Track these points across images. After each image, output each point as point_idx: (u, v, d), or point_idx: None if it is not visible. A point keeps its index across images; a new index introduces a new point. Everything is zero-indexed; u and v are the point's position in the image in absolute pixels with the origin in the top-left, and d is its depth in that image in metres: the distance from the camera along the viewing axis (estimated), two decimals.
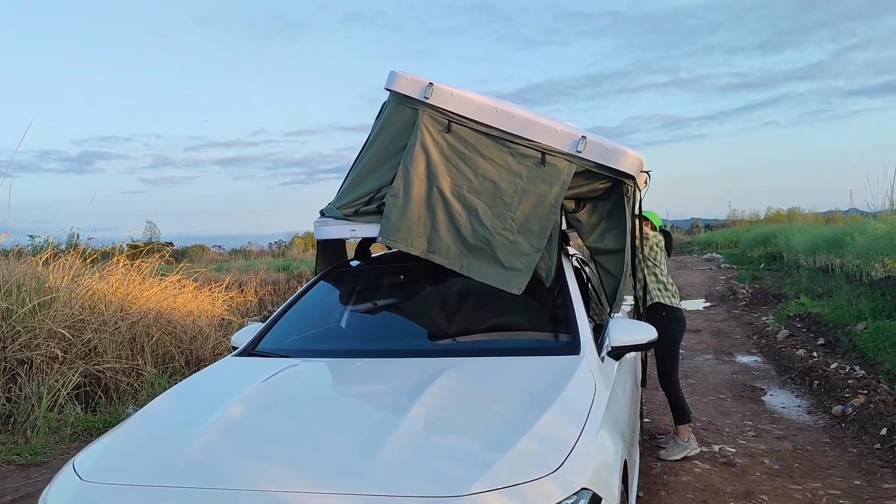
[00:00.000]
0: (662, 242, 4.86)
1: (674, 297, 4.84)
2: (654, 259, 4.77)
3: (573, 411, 2.34)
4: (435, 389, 2.48)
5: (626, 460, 2.59)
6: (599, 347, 3.07)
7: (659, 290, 4.76)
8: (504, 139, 3.42)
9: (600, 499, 2.03)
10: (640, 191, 3.90)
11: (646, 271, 4.69)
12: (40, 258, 7.77)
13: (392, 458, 2.03)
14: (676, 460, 4.72)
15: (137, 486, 2.06)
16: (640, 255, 4.61)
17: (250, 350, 3.28)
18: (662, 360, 4.86)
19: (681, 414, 4.84)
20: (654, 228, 4.93)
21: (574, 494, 1.94)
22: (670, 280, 4.88)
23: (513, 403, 2.44)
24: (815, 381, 6.84)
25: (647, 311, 4.58)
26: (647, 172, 4.11)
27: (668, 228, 5.17)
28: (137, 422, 2.57)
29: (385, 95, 3.65)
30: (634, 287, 4.58)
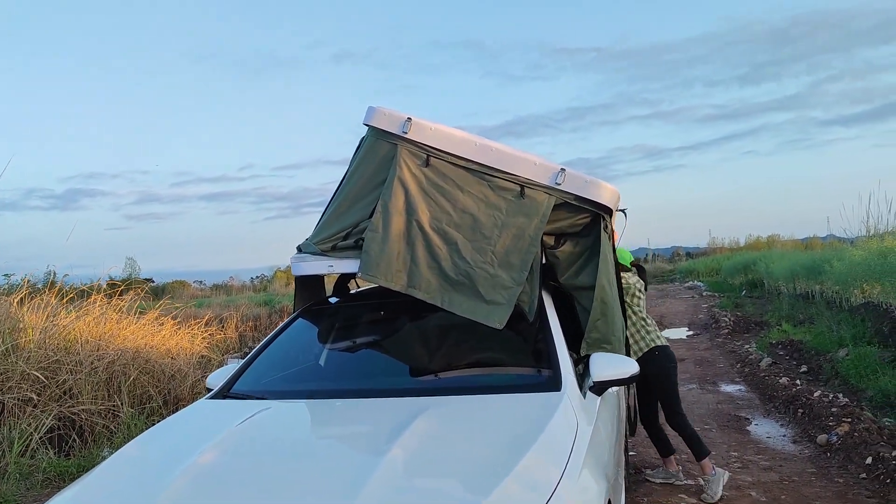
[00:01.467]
0: (641, 284, 4.82)
1: (659, 337, 4.77)
2: (638, 305, 4.72)
3: (555, 451, 2.29)
4: (414, 431, 2.42)
5: (609, 499, 2.54)
6: (581, 382, 3.04)
7: (647, 332, 4.70)
8: (483, 173, 3.42)
9: None
10: (614, 229, 3.91)
11: (635, 317, 4.66)
12: (14, 298, 7.63)
13: None
14: (721, 496, 4.61)
15: None
16: (626, 303, 4.57)
17: (225, 392, 3.20)
18: (667, 399, 4.79)
19: (698, 447, 4.71)
20: (625, 269, 4.79)
21: None
22: (650, 320, 4.83)
23: (493, 444, 2.38)
24: (800, 410, 6.83)
25: (644, 357, 4.55)
26: (622, 211, 4.12)
27: (646, 260, 5.21)
28: (106, 470, 2.47)
29: (364, 130, 3.65)
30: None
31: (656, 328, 4.81)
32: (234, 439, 2.56)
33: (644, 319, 4.73)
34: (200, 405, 3.14)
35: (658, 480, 4.97)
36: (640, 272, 4.96)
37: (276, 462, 2.39)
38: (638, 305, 4.71)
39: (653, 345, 4.65)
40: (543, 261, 3.53)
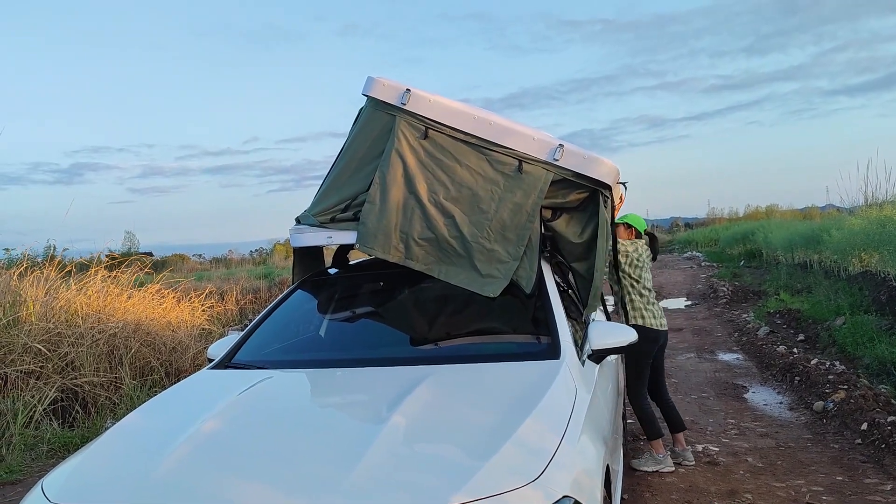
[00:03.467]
0: (646, 253, 4.73)
1: (655, 316, 4.64)
2: (636, 275, 4.62)
3: (554, 417, 2.32)
4: (414, 398, 2.45)
5: (608, 465, 2.57)
6: (580, 351, 3.06)
7: (638, 308, 4.62)
8: (481, 146, 3.40)
9: None
10: (614, 202, 3.91)
11: (627, 289, 4.61)
12: (14, 272, 7.64)
13: (370, 471, 1.99)
14: (647, 472, 4.57)
15: None
16: (621, 272, 4.58)
17: (226, 362, 3.22)
18: (630, 372, 4.72)
19: (650, 429, 4.64)
20: (638, 235, 4.78)
21: (556, 503, 1.92)
22: (647, 293, 4.67)
23: (493, 411, 2.41)
24: (796, 378, 6.89)
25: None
26: (623, 184, 4.11)
27: (650, 230, 5.00)
28: (109, 439, 2.50)
29: (363, 101, 3.62)
30: (619, 301, 4.62)
31: (650, 305, 4.65)
32: (237, 408, 2.59)
33: (640, 292, 4.62)
34: (202, 375, 3.17)
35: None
36: (653, 241, 4.88)
37: (278, 430, 2.42)
38: (639, 277, 4.62)
39: (635, 322, 4.57)
40: (542, 231, 3.53)
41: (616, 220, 4.49)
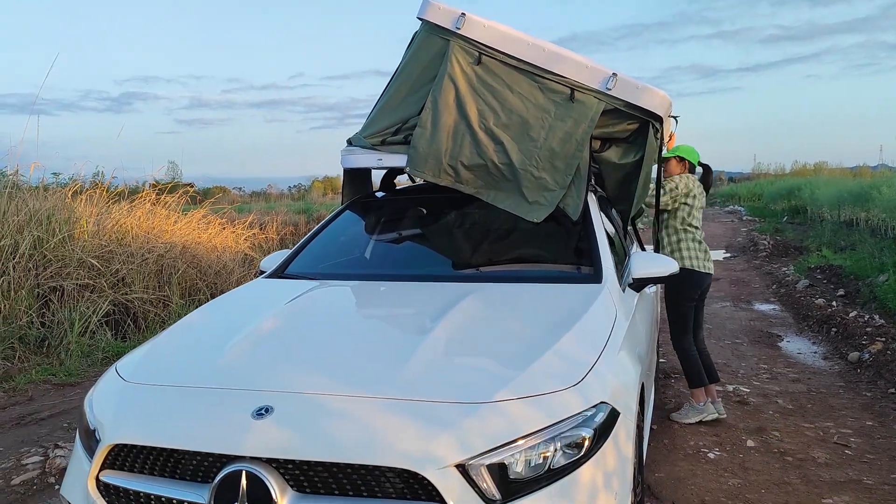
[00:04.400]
0: (699, 189, 4.42)
1: (700, 257, 4.35)
2: (684, 211, 4.33)
3: (594, 333, 2.41)
4: (458, 311, 2.55)
5: (643, 384, 2.67)
6: (621, 280, 3.12)
7: (683, 248, 4.33)
8: (534, 73, 3.41)
9: (618, 414, 2.11)
10: (664, 137, 3.89)
11: (672, 227, 4.36)
12: (69, 190, 7.92)
13: (419, 369, 2.12)
14: (690, 424, 4.34)
15: (177, 387, 2.17)
16: (666, 210, 4.32)
17: (279, 273, 3.37)
18: (668, 315, 4.51)
19: (693, 376, 4.41)
20: (691, 169, 4.48)
21: (593, 407, 2.02)
22: (700, 235, 4.39)
23: (535, 324, 2.51)
24: (833, 329, 6.87)
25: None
26: (674, 118, 4.08)
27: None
28: (175, 331, 2.68)
29: (417, 25, 3.64)
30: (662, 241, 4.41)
31: (695, 244, 4.35)
32: (292, 309, 2.73)
33: (686, 229, 4.34)
34: (258, 282, 3.33)
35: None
36: (706, 174, 4.59)
37: (331, 331, 2.56)
38: (687, 213, 4.34)
39: (682, 265, 4.22)
40: (591, 163, 3.55)
41: (666, 154, 4.29)
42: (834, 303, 8.02)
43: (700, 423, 4.37)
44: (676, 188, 4.33)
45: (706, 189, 4.53)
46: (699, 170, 4.57)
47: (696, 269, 4.32)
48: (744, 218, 26.13)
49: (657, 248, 4.42)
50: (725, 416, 4.45)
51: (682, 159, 4.45)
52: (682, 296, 4.38)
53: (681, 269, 4.02)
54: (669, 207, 4.36)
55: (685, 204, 4.36)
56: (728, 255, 14.52)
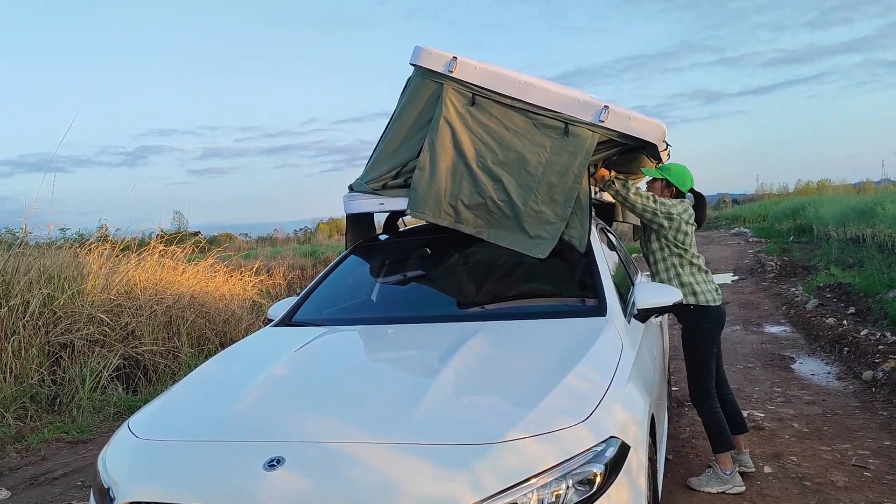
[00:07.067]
0: (690, 216, 3.75)
1: (710, 290, 3.74)
2: (686, 243, 3.73)
3: (601, 367, 2.42)
4: (466, 351, 2.57)
5: (653, 415, 2.66)
6: (625, 311, 3.14)
7: (688, 283, 3.71)
8: (528, 111, 3.47)
9: (629, 447, 2.10)
10: (663, 160, 3.93)
11: (672, 261, 3.73)
12: (85, 247, 8.02)
13: (430, 411, 2.13)
14: (712, 493, 3.69)
15: (189, 442, 2.18)
16: (663, 239, 3.71)
17: (287, 321, 3.40)
18: (688, 365, 3.80)
19: (718, 439, 3.73)
20: (679, 194, 3.82)
21: (603, 442, 2.02)
22: (702, 262, 3.81)
23: (542, 361, 2.52)
24: (845, 349, 6.83)
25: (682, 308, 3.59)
26: (667, 144, 4.12)
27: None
28: (185, 385, 2.70)
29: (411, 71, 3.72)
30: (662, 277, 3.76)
31: (701, 275, 3.76)
32: (302, 357, 2.76)
33: (690, 262, 3.74)
34: (266, 331, 3.35)
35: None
36: (699, 202, 3.94)
37: (342, 377, 2.58)
38: (682, 243, 3.71)
39: (697, 302, 3.69)
40: (594, 194, 3.59)
41: (650, 172, 3.90)
42: (845, 321, 7.98)
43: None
44: (673, 215, 3.66)
45: (699, 222, 3.85)
46: (690, 196, 3.93)
47: (713, 303, 3.71)
48: (750, 239, 26.10)
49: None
50: (754, 469, 3.97)
51: (668, 184, 3.80)
52: (706, 339, 3.74)
53: (695, 307, 3.68)
54: (668, 237, 3.69)
55: (685, 233, 3.71)
56: (736, 277, 14.49)
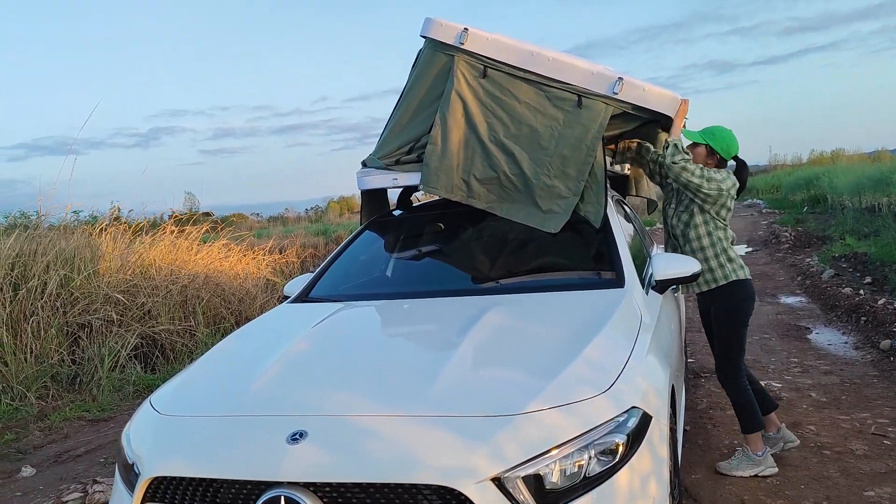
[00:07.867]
0: (735, 187, 3.50)
1: (743, 265, 3.60)
2: (728, 218, 3.55)
3: (621, 337, 2.41)
4: (484, 323, 2.56)
5: (673, 386, 2.65)
6: (643, 282, 3.12)
7: (734, 258, 3.58)
8: (540, 83, 3.41)
9: (650, 417, 2.10)
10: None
11: (716, 236, 3.52)
12: (97, 228, 8.06)
13: (449, 384, 2.13)
14: (745, 477, 3.50)
15: (212, 417, 2.20)
16: (707, 214, 3.49)
17: (303, 297, 3.41)
18: (724, 343, 3.61)
19: (749, 419, 3.54)
20: (721, 164, 3.56)
21: (625, 412, 2.02)
22: (726, 236, 3.59)
23: (561, 333, 2.51)
24: (862, 318, 6.78)
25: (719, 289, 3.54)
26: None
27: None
28: (206, 362, 2.72)
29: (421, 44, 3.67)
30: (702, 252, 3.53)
31: (735, 252, 3.62)
32: (319, 333, 2.76)
33: (721, 240, 3.54)
34: (283, 308, 3.36)
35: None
36: (741, 169, 3.69)
37: (360, 352, 2.58)
38: (724, 218, 3.52)
39: (730, 279, 3.52)
40: (609, 166, 3.54)
41: (690, 134, 3.61)
42: (861, 291, 7.91)
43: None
44: (723, 189, 3.43)
45: (739, 190, 3.58)
46: (732, 163, 3.66)
47: (748, 276, 3.58)
48: (763, 211, 25.91)
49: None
50: (797, 442, 3.78)
51: (712, 151, 3.54)
52: (747, 313, 3.60)
53: (734, 283, 3.51)
54: (711, 213, 3.49)
55: (729, 209, 3.52)
56: (750, 249, 14.39)
